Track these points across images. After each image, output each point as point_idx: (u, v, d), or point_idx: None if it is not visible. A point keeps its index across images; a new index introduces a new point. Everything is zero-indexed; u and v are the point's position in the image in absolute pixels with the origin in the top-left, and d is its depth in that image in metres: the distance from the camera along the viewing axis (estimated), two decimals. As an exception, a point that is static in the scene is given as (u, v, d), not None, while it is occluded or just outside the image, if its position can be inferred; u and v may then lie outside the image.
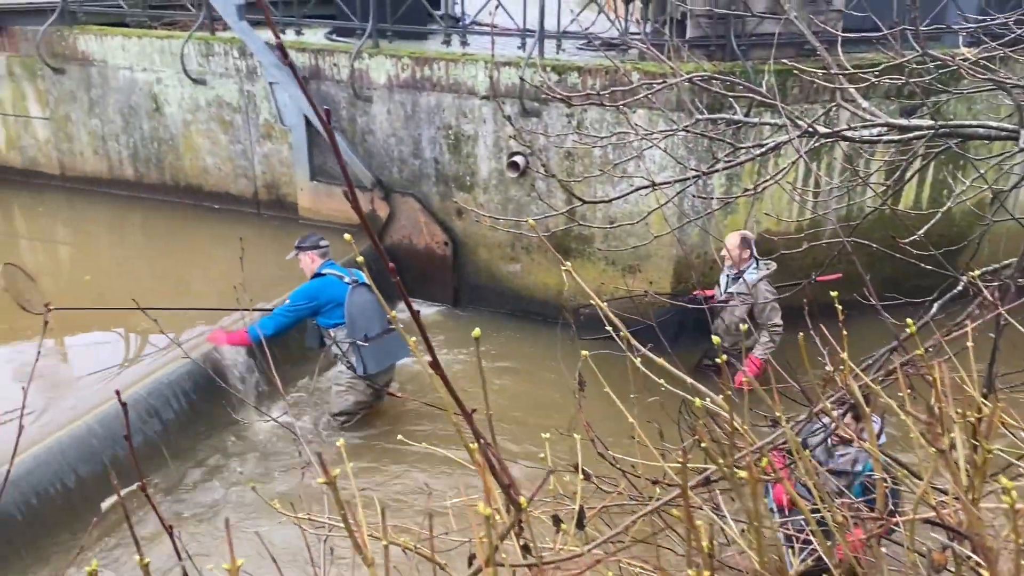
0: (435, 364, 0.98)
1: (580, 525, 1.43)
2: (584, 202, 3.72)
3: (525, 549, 1.40)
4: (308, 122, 7.73)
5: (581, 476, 1.38)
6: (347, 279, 5.74)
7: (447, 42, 7.74)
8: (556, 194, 7.00)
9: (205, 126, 8.36)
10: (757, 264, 6.12)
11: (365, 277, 5.80)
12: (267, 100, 7.92)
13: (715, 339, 1.47)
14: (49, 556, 4.54)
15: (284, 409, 5.52)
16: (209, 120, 8.31)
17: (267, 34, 7.98)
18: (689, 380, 1.46)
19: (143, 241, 8.35)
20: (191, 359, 5.45)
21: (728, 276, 6.26)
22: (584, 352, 1.54)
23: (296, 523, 1.68)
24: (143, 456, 5.06)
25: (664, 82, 3.67)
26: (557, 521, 1.43)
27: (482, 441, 1.05)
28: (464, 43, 7.53)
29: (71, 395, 5.23)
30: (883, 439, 3.82)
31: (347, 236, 1.45)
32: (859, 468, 3.92)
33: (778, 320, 5.98)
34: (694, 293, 6.35)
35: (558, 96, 3.92)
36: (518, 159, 7.02)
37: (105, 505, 4.81)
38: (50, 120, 9.11)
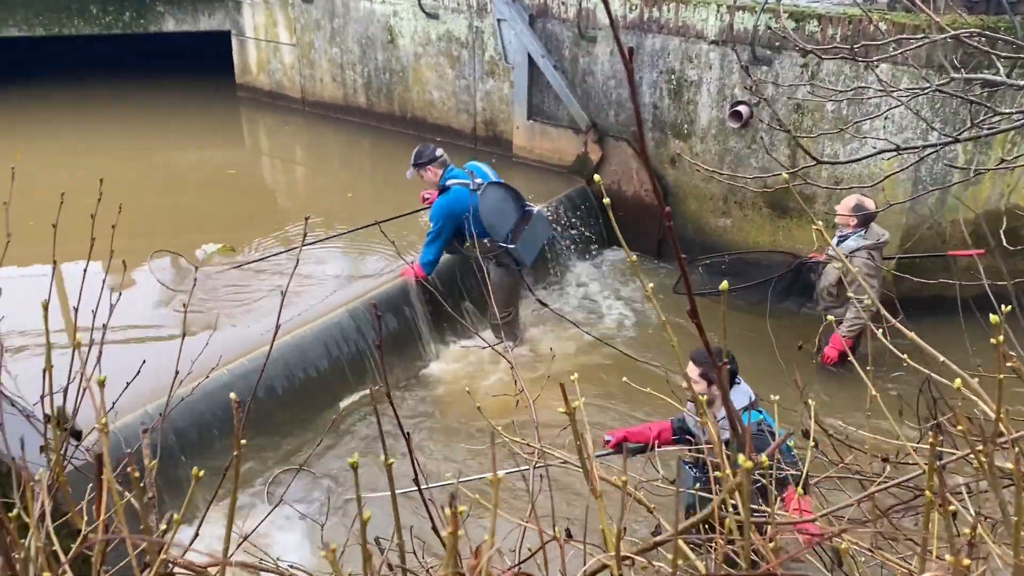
0: (693, 312, 0.98)
1: (805, 491, 1.39)
2: (818, 161, 3.51)
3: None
4: (531, 61, 7.81)
5: (812, 443, 1.34)
6: (471, 184, 5.68)
7: (679, -17, 7.50)
8: (779, 148, 6.69)
9: (434, 60, 8.67)
10: (865, 233, 5.57)
11: (486, 171, 5.82)
12: (494, 37, 8.07)
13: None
14: (292, 435, 5.07)
15: (499, 337, 5.71)
16: (438, 54, 8.61)
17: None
18: (942, 358, 1.37)
19: (369, 168, 8.87)
20: (423, 279, 5.86)
21: (837, 237, 5.85)
22: (830, 318, 1.47)
23: (514, 448, 1.76)
24: (355, 367, 5.44)
25: (925, 36, 3.36)
26: (781, 484, 1.40)
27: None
28: (697, -15, 7.27)
29: (310, 302, 5.71)
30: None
31: (596, 177, 1.46)
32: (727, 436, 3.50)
33: (866, 298, 5.40)
34: (810, 256, 6.07)
35: (801, 46, 3.71)
36: (741, 109, 6.75)
37: (344, 404, 5.22)
38: (296, 46, 9.80)
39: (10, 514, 1.56)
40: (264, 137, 10.10)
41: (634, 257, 1.44)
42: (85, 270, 2.04)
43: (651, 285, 1.41)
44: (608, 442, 4.09)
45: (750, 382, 3.76)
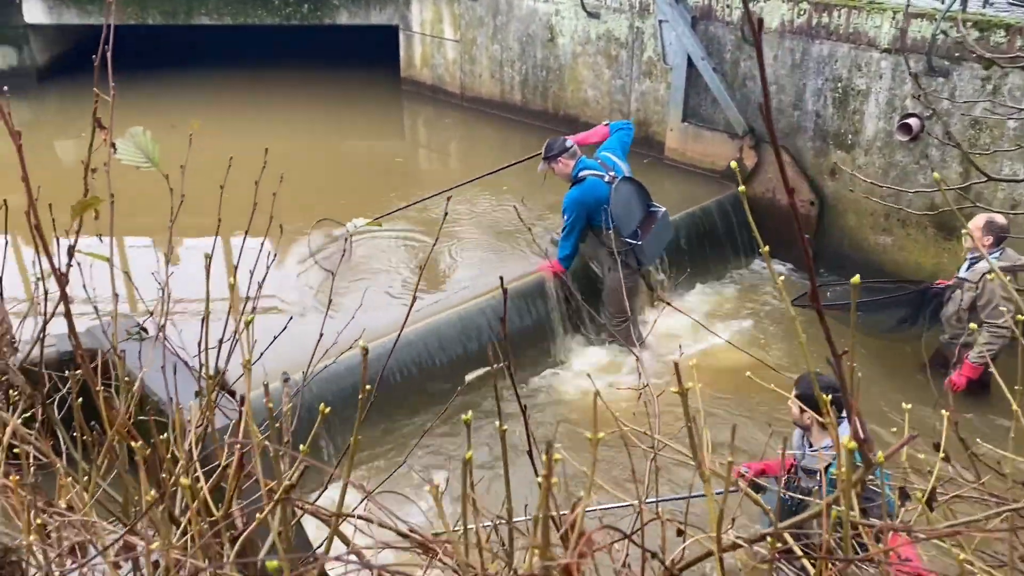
0: (814, 296, 0.96)
1: (930, 505, 1.33)
2: (989, 178, 3.29)
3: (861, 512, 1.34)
4: (690, 63, 7.70)
5: (942, 455, 1.27)
6: (606, 177, 5.63)
7: (853, -12, 7.19)
8: (951, 165, 6.29)
9: (592, 59, 8.70)
10: (1000, 255, 5.10)
11: (618, 162, 5.72)
12: (654, 38, 8.01)
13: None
14: (423, 413, 5.32)
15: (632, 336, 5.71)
16: (596, 54, 8.64)
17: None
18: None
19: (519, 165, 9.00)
20: (562, 274, 5.95)
21: (968, 260, 5.35)
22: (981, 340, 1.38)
23: (624, 434, 1.76)
24: (487, 354, 5.56)
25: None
26: (904, 495, 1.34)
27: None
28: (872, -10, 6.94)
29: (447, 291, 5.89)
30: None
31: (733, 164, 1.45)
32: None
33: (1002, 321, 4.93)
34: (936, 282, 5.69)
35: (980, 53, 3.49)
36: (912, 121, 6.38)
37: (469, 377, 5.38)
38: (459, 42, 10.09)
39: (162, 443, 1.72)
40: (423, 129, 10.45)
41: (766, 248, 1.42)
42: (246, 232, 2.19)
43: (782, 277, 1.38)
44: (744, 475, 3.82)
45: (871, 403, 3.58)
